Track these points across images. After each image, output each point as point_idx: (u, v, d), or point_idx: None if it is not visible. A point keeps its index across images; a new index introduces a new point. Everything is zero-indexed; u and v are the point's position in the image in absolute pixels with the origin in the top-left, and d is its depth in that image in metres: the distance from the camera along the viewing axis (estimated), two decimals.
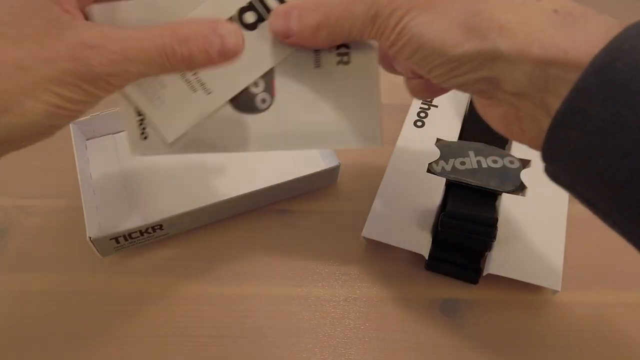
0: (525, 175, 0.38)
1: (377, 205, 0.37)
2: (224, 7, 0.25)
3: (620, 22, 0.21)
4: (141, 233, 0.35)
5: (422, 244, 0.35)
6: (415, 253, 0.34)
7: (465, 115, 0.43)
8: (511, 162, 0.38)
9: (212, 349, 0.32)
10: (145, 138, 0.28)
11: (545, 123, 0.21)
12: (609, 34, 0.20)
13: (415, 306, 0.35)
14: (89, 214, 0.34)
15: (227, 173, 0.40)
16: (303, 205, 0.40)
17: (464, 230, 0.34)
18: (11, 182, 0.40)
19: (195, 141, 0.28)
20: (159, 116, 0.27)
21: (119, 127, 0.42)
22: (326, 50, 0.26)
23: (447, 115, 0.43)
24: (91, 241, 0.33)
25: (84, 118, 0.40)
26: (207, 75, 0.27)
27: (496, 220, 0.35)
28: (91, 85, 0.22)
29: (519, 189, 0.38)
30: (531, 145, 0.24)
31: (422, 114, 0.44)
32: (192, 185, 0.39)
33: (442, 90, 0.28)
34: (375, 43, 0.26)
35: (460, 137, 0.41)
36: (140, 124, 0.28)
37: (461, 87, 0.24)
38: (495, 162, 0.38)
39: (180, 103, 0.27)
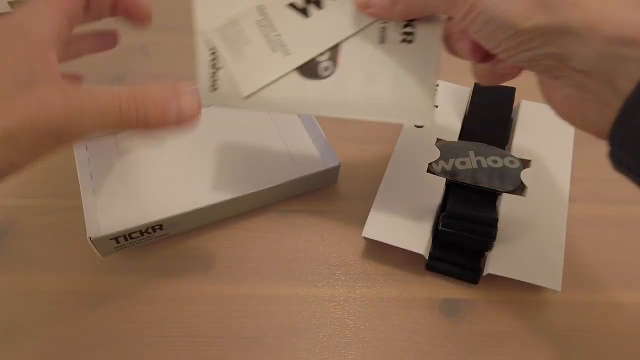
0: (525, 175, 0.38)
1: (377, 205, 0.37)
2: None
3: None
4: (141, 233, 0.35)
5: (422, 244, 0.35)
6: (415, 253, 0.34)
7: (465, 115, 0.43)
8: (511, 162, 0.38)
9: (212, 349, 0.32)
10: (215, 90, 0.30)
11: (612, 103, 0.21)
12: None
13: (415, 306, 0.35)
14: (89, 214, 0.34)
15: (227, 173, 0.40)
16: (303, 205, 0.40)
17: (464, 230, 0.34)
18: (11, 182, 0.40)
19: (262, 99, 0.30)
20: (240, 70, 0.29)
21: None
22: (392, 28, 0.28)
23: (447, 115, 0.43)
24: (91, 241, 0.33)
25: None
26: (289, 37, 0.29)
27: (496, 220, 0.35)
28: (46, 137, 0.24)
29: (519, 189, 0.38)
30: (592, 131, 0.24)
31: None
32: (192, 185, 0.39)
33: (508, 75, 0.28)
34: (439, 28, 0.28)
35: (460, 137, 0.41)
36: (212, 76, 0.29)
37: (528, 63, 0.24)
38: (495, 162, 0.38)
39: (261, 60, 0.29)
